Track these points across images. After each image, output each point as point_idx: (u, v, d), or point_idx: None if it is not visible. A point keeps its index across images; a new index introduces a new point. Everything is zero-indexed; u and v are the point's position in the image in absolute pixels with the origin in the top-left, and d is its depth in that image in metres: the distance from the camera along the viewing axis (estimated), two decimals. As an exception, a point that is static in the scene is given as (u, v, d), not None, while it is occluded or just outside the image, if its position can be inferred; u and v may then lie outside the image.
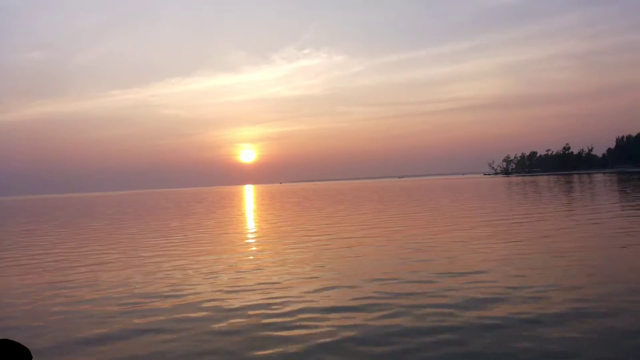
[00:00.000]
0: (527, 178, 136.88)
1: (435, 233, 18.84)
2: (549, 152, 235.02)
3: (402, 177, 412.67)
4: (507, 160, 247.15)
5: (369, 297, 9.34)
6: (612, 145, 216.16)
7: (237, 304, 9.45)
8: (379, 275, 11.36)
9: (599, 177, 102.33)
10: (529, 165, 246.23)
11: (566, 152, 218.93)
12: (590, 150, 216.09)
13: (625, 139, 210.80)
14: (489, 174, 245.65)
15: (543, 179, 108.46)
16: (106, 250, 18.63)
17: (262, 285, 10.94)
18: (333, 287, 10.37)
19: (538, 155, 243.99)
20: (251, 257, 15.18)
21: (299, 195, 77.82)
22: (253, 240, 19.79)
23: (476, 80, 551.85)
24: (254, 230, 24.43)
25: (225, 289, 10.81)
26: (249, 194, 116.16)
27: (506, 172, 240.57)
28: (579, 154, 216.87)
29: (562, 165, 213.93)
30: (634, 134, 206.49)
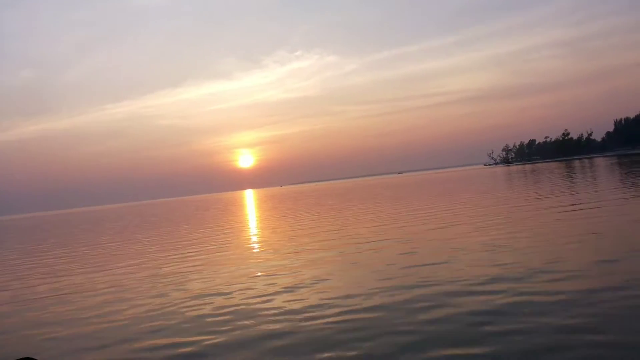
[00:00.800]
0: (529, 166, 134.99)
1: (512, 231, 16.17)
2: (548, 139, 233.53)
3: (401, 172, 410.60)
4: (506, 150, 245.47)
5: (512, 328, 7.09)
6: (611, 128, 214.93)
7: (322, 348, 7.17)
8: (493, 290, 9.08)
9: (603, 161, 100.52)
10: (528, 153, 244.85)
11: (565, 138, 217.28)
12: (590, 134, 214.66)
13: (623, 121, 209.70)
14: (489, 164, 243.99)
15: (549, 166, 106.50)
16: (124, 272, 16.33)
17: (350, 317, 8.51)
18: (452, 317, 8.09)
19: (537, 143, 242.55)
20: (309, 274, 12.78)
21: (309, 196, 75.45)
22: (298, 251, 17.09)
23: (466, 73, 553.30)
24: (290, 237, 21.96)
25: (299, 321, 8.52)
26: (254, 198, 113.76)
27: (506, 161, 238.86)
28: (579, 139, 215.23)
29: (563, 151, 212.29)
30: (631, 116, 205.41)
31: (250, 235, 25.59)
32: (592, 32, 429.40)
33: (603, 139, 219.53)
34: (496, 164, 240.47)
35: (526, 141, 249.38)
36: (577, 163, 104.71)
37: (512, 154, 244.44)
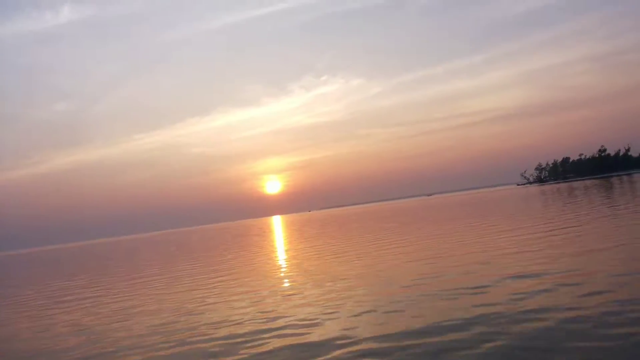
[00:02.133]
0: (565, 184, 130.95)
1: None
2: (582, 157, 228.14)
3: (430, 194, 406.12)
4: (539, 169, 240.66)
5: None
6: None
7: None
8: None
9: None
10: (563, 171, 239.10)
11: (602, 154, 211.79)
12: (627, 150, 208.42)
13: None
14: (523, 184, 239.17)
15: (589, 184, 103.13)
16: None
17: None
18: None
19: (571, 160, 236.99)
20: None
21: (349, 220, 74.44)
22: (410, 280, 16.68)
23: (495, 92, 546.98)
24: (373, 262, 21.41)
25: None
26: (286, 223, 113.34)
27: (540, 180, 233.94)
28: (616, 155, 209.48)
29: (599, 168, 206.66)
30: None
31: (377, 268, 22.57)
32: (623, 46, 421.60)
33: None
34: (530, 183, 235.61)
35: (559, 159, 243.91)
36: (616, 180, 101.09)
37: (546, 172, 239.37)
